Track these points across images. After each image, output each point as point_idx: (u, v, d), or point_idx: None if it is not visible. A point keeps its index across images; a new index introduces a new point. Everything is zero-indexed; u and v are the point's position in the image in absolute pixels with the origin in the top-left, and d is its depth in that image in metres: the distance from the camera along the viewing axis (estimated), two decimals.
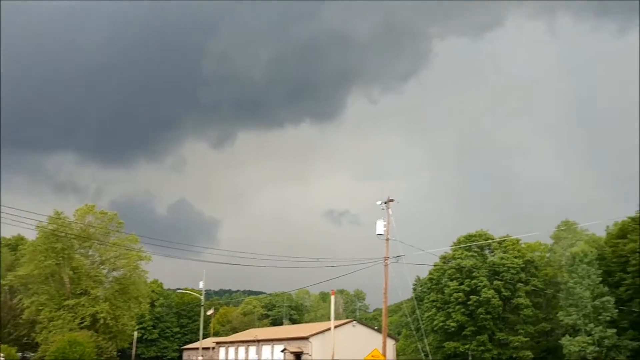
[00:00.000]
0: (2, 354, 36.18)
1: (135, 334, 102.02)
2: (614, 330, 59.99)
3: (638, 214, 63.85)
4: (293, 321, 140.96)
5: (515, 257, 74.85)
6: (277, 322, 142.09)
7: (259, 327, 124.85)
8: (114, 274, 53.14)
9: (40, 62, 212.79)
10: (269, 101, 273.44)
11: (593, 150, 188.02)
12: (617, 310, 60.33)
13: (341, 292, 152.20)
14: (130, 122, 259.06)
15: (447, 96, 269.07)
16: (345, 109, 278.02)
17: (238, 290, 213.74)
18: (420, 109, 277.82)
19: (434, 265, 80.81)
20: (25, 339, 52.48)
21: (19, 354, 47.23)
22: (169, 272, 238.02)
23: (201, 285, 79.56)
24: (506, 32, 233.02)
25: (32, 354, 52.44)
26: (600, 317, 60.25)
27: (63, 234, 48.64)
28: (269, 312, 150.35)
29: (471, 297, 74.27)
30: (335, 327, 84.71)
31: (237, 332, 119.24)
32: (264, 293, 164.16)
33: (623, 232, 64.58)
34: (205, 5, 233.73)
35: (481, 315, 74.21)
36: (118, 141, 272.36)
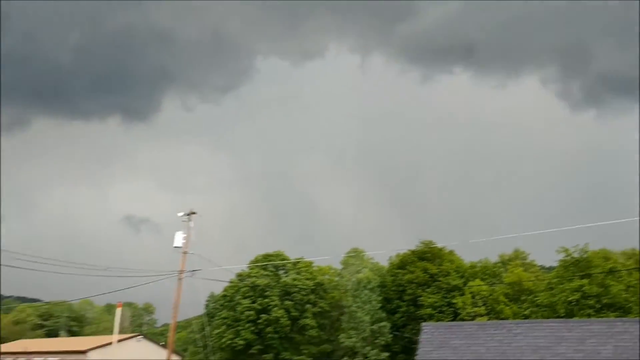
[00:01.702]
0: None
1: None
2: (388, 354, 64.62)
3: (417, 248, 70.20)
4: (72, 333, 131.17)
5: (307, 279, 77.65)
6: (53, 334, 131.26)
7: (30, 338, 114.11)
8: None
9: None
10: (73, 89, 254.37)
11: (384, 186, 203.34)
12: (391, 335, 65.23)
13: (129, 304, 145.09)
14: None
15: (262, 117, 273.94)
16: (160, 112, 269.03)
17: (11, 296, 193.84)
18: (235, 125, 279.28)
19: (230, 282, 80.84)
20: None
21: None
22: None
23: None
24: (325, 63, 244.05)
25: None
26: (376, 340, 64.62)
27: None
28: (45, 323, 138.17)
29: (262, 315, 75.32)
30: (119, 341, 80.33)
31: (4, 342, 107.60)
32: (41, 301, 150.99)
33: (403, 263, 70.36)
34: None
35: (269, 334, 75.52)
36: None
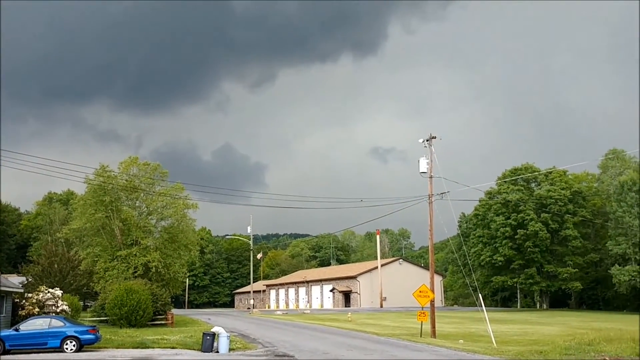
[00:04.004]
0: (65, 303, 37.89)
1: (187, 281, 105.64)
2: None
3: None
4: (340, 261, 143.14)
5: (562, 189, 73.60)
6: (324, 263, 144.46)
7: (307, 268, 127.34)
8: (162, 223, 54.32)
9: (65, 12, 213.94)
10: (306, 33, 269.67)
11: None
12: None
13: (386, 231, 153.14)
14: (163, 67, 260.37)
15: (493, 23, 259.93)
16: (387, 40, 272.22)
17: (285, 234, 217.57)
18: (463, 38, 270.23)
19: (480, 201, 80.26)
20: (85, 288, 54.86)
21: (81, 303, 49.52)
22: (217, 219, 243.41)
23: (249, 230, 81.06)
24: None
25: (93, 302, 54.83)
26: None
27: (110, 187, 49.94)
28: (316, 254, 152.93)
29: (518, 231, 73.74)
30: (382, 265, 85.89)
31: (286, 274, 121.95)
32: (310, 235, 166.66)
33: None
34: None
35: (529, 249, 73.81)
36: (153, 86, 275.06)
